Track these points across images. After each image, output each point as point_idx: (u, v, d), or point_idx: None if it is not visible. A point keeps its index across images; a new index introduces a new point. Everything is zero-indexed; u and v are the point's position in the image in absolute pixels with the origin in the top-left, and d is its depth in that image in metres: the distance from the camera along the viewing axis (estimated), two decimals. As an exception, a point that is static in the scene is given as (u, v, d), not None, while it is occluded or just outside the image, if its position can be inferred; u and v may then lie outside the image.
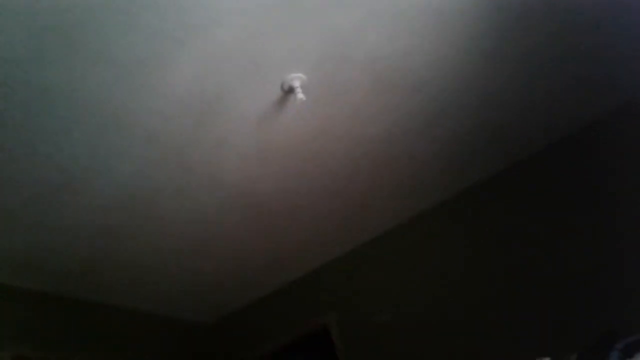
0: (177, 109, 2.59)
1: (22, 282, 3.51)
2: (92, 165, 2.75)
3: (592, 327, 3.26)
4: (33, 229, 3.06)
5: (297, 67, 2.58)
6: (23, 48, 2.04)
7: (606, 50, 3.19)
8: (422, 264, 4.32)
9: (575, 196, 3.84)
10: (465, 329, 3.94)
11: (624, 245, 3.53)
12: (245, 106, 2.72)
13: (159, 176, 3.01)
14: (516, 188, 4.10)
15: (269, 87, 2.64)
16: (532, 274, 3.81)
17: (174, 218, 3.43)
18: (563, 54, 3.12)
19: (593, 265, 3.60)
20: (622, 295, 3.42)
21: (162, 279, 4.08)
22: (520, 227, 3.98)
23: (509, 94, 3.33)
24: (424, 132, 3.43)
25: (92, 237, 3.30)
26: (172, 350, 4.51)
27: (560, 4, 2.72)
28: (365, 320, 4.39)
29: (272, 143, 3.07)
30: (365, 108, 3.05)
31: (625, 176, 3.66)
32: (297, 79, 2.60)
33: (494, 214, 4.14)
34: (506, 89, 3.28)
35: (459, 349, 3.90)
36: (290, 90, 2.66)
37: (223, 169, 3.14)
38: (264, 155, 3.14)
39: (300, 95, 2.55)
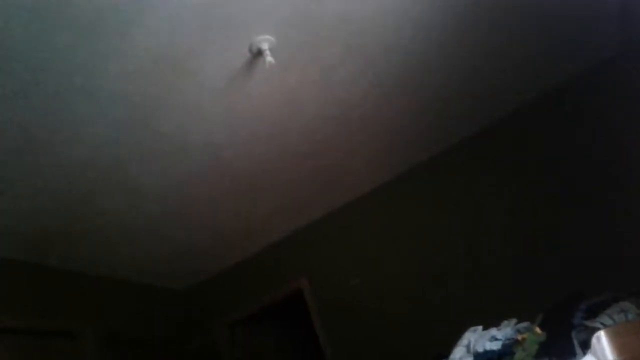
0: (143, 71, 2.47)
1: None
2: (59, 128, 2.62)
3: (559, 288, 3.34)
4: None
5: (266, 29, 2.48)
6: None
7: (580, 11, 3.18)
8: (395, 228, 4.36)
9: (544, 162, 3.90)
10: (435, 290, 4.02)
11: (603, 204, 3.62)
12: (212, 69, 2.62)
13: (127, 140, 2.91)
14: (495, 149, 4.11)
15: (236, 49, 2.54)
16: (501, 238, 3.89)
17: (145, 183, 3.35)
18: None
19: (566, 227, 3.69)
20: (592, 255, 3.53)
21: (134, 245, 4.02)
22: (498, 188, 4.02)
23: (485, 53, 3.29)
24: (398, 94, 3.38)
25: (61, 203, 3.21)
26: (145, 317, 4.50)
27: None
28: (338, 284, 4.43)
29: (240, 106, 2.98)
30: (337, 71, 2.98)
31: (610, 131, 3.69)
32: (265, 42, 2.50)
33: (469, 176, 4.17)
34: (482, 49, 3.24)
35: (427, 309, 4.00)
36: (258, 53, 2.55)
37: (191, 133, 3.05)
38: (232, 119, 3.06)
39: (269, 58, 2.46)
